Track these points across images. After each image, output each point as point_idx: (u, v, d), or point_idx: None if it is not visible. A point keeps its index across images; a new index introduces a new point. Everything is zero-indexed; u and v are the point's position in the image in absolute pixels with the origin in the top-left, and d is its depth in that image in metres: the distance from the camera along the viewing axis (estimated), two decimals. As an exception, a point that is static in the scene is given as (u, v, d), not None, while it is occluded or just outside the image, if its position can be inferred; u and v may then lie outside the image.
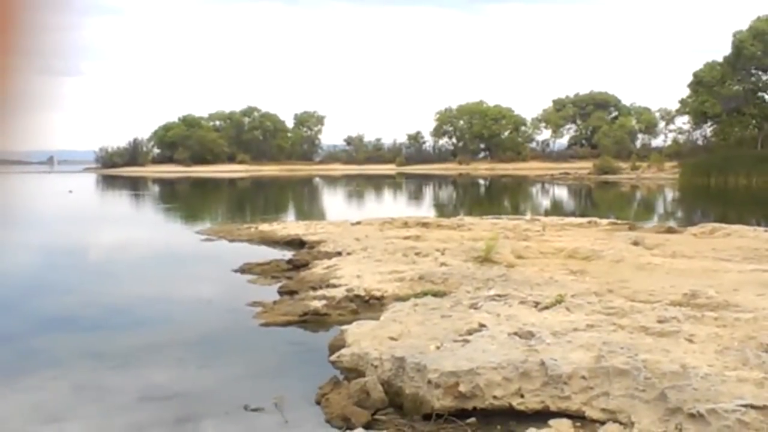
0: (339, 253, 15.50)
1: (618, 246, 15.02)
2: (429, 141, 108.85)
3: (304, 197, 51.62)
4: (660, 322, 7.85)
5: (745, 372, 6.11)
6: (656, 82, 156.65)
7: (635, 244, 15.66)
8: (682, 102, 69.78)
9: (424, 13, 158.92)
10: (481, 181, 70.75)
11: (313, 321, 10.20)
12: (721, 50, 62.31)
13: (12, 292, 13.75)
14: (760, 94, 63.24)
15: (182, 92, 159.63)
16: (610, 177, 67.76)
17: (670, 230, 19.39)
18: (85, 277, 15.51)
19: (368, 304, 10.82)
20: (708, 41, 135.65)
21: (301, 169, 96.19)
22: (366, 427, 6.28)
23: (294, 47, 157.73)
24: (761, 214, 30.65)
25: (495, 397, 6.28)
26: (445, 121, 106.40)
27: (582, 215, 25.77)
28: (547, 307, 8.85)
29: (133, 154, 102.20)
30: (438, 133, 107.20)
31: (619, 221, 21.78)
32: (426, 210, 35.13)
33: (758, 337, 7.11)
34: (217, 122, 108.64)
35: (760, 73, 62.13)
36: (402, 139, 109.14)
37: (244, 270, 14.66)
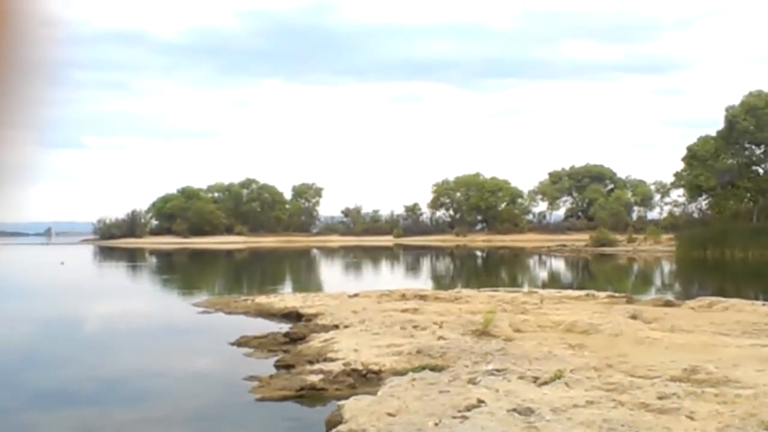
0: (336, 326, 15.42)
1: (616, 319, 14.97)
2: (426, 213, 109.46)
3: (301, 269, 51.55)
4: (660, 398, 7.79)
5: (747, 450, 6.04)
6: (651, 155, 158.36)
7: (633, 317, 15.61)
8: (677, 175, 70.29)
9: (421, 89, 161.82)
10: (479, 253, 70.79)
11: (310, 396, 10.09)
12: (714, 124, 62.99)
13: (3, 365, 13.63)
14: (753, 167, 63.88)
15: (182, 164, 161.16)
16: (607, 249, 67.83)
17: (668, 303, 19.34)
18: (81, 350, 15.38)
19: (366, 379, 10.73)
20: (701, 116, 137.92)
21: (298, 241, 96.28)
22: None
23: (293, 121, 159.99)
24: (759, 288, 30.61)
25: (494, 476, 6.19)
26: (442, 193, 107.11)
27: (580, 288, 25.70)
28: (546, 383, 8.78)
29: (131, 226, 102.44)
30: (435, 204, 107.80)
31: (617, 294, 21.74)
32: (424, 282, 35.07)
33: (759, 414, 7.05)
34: (216, 194, 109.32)
35: (753, 147, 62.88)
36: (399, 210, 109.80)
37: (240, 343, 14.56)
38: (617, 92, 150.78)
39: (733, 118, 60.32)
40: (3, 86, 0.96)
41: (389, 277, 39.40)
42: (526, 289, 25.06)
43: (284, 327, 16.64)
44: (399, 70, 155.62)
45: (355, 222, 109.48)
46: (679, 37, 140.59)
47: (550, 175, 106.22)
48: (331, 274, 44.61)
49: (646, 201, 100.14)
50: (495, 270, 48.52)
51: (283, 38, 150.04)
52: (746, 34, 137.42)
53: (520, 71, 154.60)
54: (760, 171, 63.87)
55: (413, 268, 51.06)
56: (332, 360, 11.70)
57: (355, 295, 21.53)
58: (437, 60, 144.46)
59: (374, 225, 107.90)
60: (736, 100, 62.15)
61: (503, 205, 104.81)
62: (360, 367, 11.09)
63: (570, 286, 29.10)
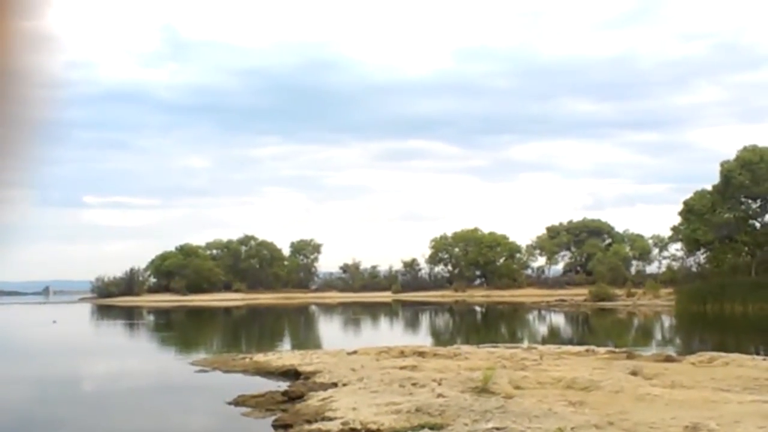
0: (335, 384, 15.31)
1: (616, 375, 14.87)
2: (425, 268, 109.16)
3: (299, 326, 51.28)
4: (661, 456, 7.72)
5: None
6: (648, 210, 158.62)
7: (634, 373, 15.51)
8: (675, 229, 70.42)
9: (419, 146, 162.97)
10: (478, 308, 70.48)
11: (308, 456, 9.98)
12: (710, 179, 63.22)
13: None
14: (750, 221, 64.04)
15: (181, 222, 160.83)
16: (607, 304, 67.58)
17: (668, 359, 19.25)
18: (76, 411, 15.22)
19: (364, 438, 10.61)
20: (697, 171, 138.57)
21: (297, 297, 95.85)
22: None
23: (291, 177, 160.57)
24: (759, 342, 30.46)
25: None
26: (441, 249, 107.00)
27: (579, 343, 25.60)
28: (546, 441, 8.70)
29: (129, 284, 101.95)
30: (433, 260, 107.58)
31: (617, 349, 21.64)
32: (422, 338, 34.87)
33: (762, 471, 6.99)
34: (214, 251, 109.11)
35: (749, 201, 63.11)
36: (398, 266, 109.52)
37: (238, 402, 14.43)
38: (613, 148, 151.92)
39: (728, 173, 60.66)
40: (3, 146, 0.98)
41: (388, 333, 39.20)
42: (525, 344, 24.93)
43: (282, 385, 16.52)
44: (397, 128, 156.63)
45: (353, 278, 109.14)
46: (674, 93, 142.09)
47: (548, 229, 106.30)
48: (329, 330, 44.36)
49: (644, 255, 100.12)
50: (494, 325, 48.26)
51: (282, 96, 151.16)
52: (739, 90, 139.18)
53: (516, 128, 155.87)
54: (757, 225, 64.05)
55: (412, 324, 50.81)
56: (330, 419, 11.59)
57: (354, 353, 21.40)
58: (435, 117, 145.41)
59: (373, 281, 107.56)
60: (730, 155, 62.68)
61: (502, 260, 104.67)
62: (359, 426, 10.99)
63: (570, 342, 29.00)
